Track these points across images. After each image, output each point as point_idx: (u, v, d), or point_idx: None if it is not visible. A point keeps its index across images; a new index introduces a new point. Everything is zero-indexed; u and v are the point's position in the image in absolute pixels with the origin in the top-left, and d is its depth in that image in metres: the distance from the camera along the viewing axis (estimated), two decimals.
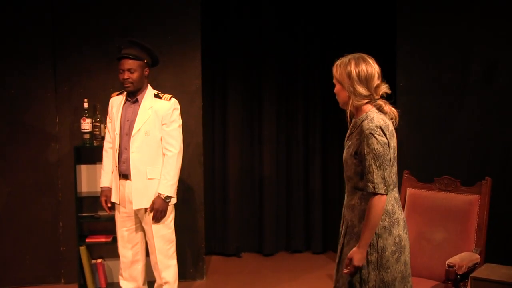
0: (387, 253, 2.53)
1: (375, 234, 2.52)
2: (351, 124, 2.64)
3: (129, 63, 3.63)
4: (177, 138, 3.72)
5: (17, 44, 4.46)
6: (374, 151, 2.45)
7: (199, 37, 4.63)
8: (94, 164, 4.53)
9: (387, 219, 2.53)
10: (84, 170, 4.55)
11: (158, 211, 3.66)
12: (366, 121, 2.51)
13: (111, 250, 4.54)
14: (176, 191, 3.75)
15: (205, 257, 4.86)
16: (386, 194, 2.49)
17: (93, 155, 4.53)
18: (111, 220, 4.49)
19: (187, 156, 4.07)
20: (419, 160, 4.31)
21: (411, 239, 2.98)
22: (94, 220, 4.53)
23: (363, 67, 2.53)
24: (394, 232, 2.55)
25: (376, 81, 2.54)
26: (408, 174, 3.73)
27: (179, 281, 3.91)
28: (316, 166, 5.49)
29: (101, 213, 4.54)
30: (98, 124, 4.39)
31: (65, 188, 4.53)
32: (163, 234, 3.74)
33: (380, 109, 2.57)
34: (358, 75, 2.52)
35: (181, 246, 4.26)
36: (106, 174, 3.83)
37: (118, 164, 3.70)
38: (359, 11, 5.29)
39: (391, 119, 2.57)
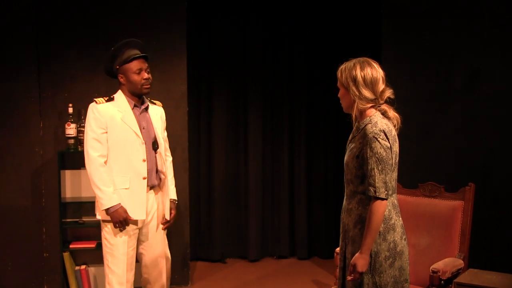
0: (380, 258, 2.55)
1: None
2: (354, 128, 2.66)
3: (146, 63, 3.40)
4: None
5: (0, 47, 4.42)
6: (377, 155, 2.46)
7: (184, 43, 4.63)
8: (79, 169, 4.50)
9: (382, 225, 2.54)
10: (68, 175, 4.51)
11: (175, 217, 3.58)
12: (369, 124, 2.53)
13: (95, 257, 4.51)
14: None
15: (190, 263, 4.84)
16: (387, 199, 2.50)
17: (78, 160, 4.50)
18: (95, 226, 4.46)
19: (172, 161, 4.06)
20: (404, 166, 4.32)
21: None
22: (78, 226, 4.49)
23: (368, 71, 2.54)
24: (389, 237, 2.56)
25: (381, 85, 2.56)
26: None
27: None
28: (301, 171, 5.51)
29: (85, 219, 4.51)
30: (83, 129, 4.35)
31: (49, 193, 4.49)
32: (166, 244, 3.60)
33: (384, 114, 2.60)
34: (364, 79, 2.53)
35: None
36: (113, 191, 3.29)
37: (147, 175, 3.35)
38: (344, 19, 5.34)
39: (394, 125, 2.59)
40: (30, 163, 4.49)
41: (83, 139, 4.34)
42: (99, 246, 4.38)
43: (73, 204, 4.52)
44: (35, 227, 4.52)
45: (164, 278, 3.55)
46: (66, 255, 4.43)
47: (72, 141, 4.37)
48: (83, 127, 4.35)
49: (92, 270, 4.56)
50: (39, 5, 4.45)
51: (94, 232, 4.54)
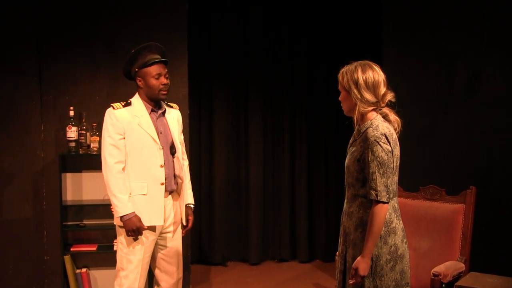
0: (381, 261, 2.55)
1: None
2: (355, 131, 2.65)
3: (165, 69, 3.34)
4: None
5: (1, 51, 4.42)
6: (378, 159, 2.46)
7: (185, 45, 4.62)
8: (80, 172, 4.49)
9: (383, 228, 2.54)
10: (69, 178, 4.50)
11: (192, 221, 3.55)
12: (371, 128, 2.53)
13: (96, 259, 4.51)
14: None
15: (191, 266, 4.84)
16: (388, 203, 2.50)
17: (79, 163, 4.50)
18: (96, 229, 4.46)
19: None
20: (405, 169, 4.31)
21: None
22: (79, 229, 4.48)
23: (370, 74, 2.54)
24: (390, 241, 2.56)
25: (383, 88, 2.56)
26: None
27: None
28: (302, 174, 5.50)
29: (86, 222, 4.50)
30: (84, 132, 4.36)
31: (50, 196, 4.48)
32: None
33: (385, 117, 2.60)
34: (366, 81, 2.53)
35: None
36: (128, 198, 3.26)
37: (165, 180, 3.33)
38: (344, 19, 5.34)
39: (395, 129, 2.59)
40: (31, 166, 4.48)
41: (84, 142, 4.36)
42: (100, 249, 4.41)
43: (74, 207, 4.52)
44: (36, 230, 4.51)
45: (180, 285, 3.56)
46: (67, 258, 4.42)
47: (73, 144, 4.36)
48: (84, 130, 4.37)
49: (93, 273, 4.56)
50: (39, 5, 4.44)
51: (95, 235, 4.54)
